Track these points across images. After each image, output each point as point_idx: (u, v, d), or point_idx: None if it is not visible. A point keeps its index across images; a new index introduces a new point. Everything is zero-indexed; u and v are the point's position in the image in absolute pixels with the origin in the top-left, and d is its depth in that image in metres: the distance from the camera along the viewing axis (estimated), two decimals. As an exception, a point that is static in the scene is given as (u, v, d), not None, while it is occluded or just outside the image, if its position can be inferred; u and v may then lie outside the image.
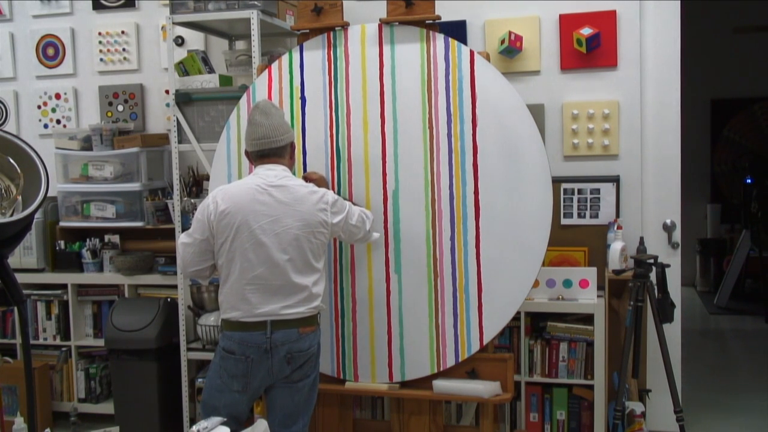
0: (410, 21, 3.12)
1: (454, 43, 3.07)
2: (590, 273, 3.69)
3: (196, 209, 3.87)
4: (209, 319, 3.85)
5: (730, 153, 7.87)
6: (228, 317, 2.76)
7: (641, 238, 3.82)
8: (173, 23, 3.83)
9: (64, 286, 4.36)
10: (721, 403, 4.43)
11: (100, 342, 4.27)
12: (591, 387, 3.61)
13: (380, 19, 3.16)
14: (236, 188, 2.79)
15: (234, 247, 2.72)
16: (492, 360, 3.09)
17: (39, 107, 4.76)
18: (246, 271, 2.71)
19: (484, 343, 3.04)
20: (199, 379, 3.93)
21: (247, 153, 2.89)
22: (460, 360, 3.08)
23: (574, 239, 3.88)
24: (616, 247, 3.63)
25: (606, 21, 3.86)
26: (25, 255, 4.38)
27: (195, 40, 4.43)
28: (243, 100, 3.36)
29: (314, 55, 3.25)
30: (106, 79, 4.64)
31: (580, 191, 3.90)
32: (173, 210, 3.99)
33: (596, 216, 3.88)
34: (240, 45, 4.30)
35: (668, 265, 3.53)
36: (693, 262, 7.67)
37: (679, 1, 3.87)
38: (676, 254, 3.93)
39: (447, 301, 3.07)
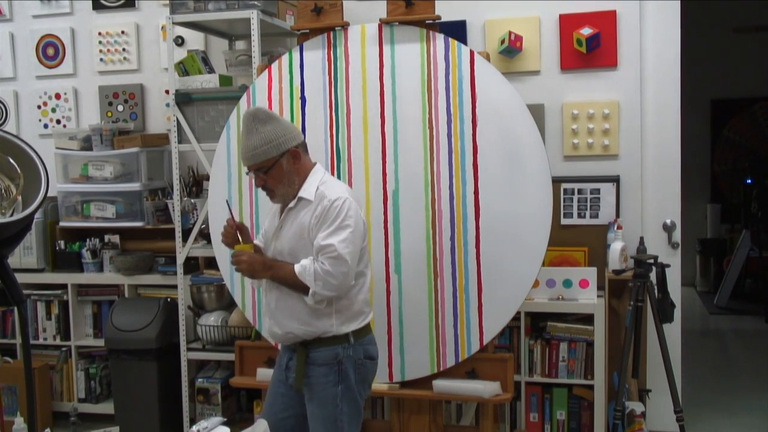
0: (410, 21, 3.11)
1: (454, 43, 3.07)
2: (590, 273, 3.69)
3: (196, 209, 3.91)
4: (209, 319, 3.85)
5: (730, 153, 7.87)
6: (367, 322, 2.66)
7: (641, 238, 3.82)
8: (173, 23, 3.83)
9: (64, 286, 4.36)
10: (721, 403, 4.43)
11: (100, 342, 4.27)
12: (591, 387, 3.61)
13: (380, 19, 3.16)
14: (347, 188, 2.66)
15: (366, 250, 2.64)
16: (492, 360, 3.09)
17: (39, 107, 4.76)
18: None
19: (484, 343, 3.04)
20: (199, 379, 3.93)
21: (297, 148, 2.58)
22: (460, 360, 3.07)
23: (574, 239, 3.88)
24: (616, 247, 3.63)
25: (606, 21, 3.86)
26: (25, 255, 4.38)
27: (195, 40, 4.43)
28: (243, 100, 3.36)
29: (314, 55, 3.25)
30: (106, 79, 4.63)
31: (580, 191, 3.90)
32: (173, 210, 3.98)
33: (596, 216, 3.88)
34: (240, 45, 4.30)
35: (668, 265, 3.54)
36: (693, 262, 7.67)
37: (679, 1, 3.87)
38: (676, 254, 3.93)
39: (447, 301, 3.07)
